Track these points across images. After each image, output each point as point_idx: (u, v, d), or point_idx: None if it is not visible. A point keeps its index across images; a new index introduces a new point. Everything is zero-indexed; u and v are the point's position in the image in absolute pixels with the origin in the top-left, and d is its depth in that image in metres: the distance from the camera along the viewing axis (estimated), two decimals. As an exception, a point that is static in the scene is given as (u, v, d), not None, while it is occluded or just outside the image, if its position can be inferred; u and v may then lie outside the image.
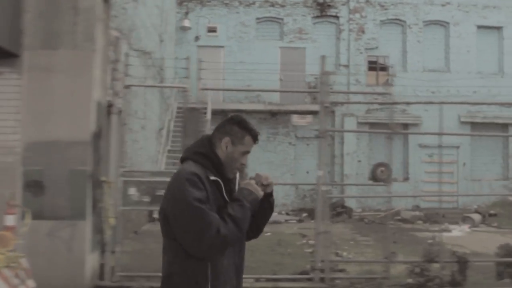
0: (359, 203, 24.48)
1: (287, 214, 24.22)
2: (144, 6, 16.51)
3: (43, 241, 7.88)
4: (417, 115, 25.53)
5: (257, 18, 25.80)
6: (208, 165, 2.99)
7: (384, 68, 26.20)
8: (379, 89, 25.70)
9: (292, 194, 25.17)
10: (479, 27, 26.40)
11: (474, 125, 25.85)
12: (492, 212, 23.91)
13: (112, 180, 8.65)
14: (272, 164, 24.95)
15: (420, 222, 22.62)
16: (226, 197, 3.00)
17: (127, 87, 9.15)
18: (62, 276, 7.89)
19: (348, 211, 23.17)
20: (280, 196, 24.94)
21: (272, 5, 25.78)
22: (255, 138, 3.10)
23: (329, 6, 25.80)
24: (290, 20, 25.80)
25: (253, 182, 3.10)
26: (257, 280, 9.06)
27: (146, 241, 13.81)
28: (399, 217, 23.18)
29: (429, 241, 10.84)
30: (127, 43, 13.45)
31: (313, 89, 25.09)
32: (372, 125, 24.80)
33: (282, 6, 25.77)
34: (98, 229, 8.48)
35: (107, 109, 8.92)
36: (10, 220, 7.10)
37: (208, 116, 22.75)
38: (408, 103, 25.13)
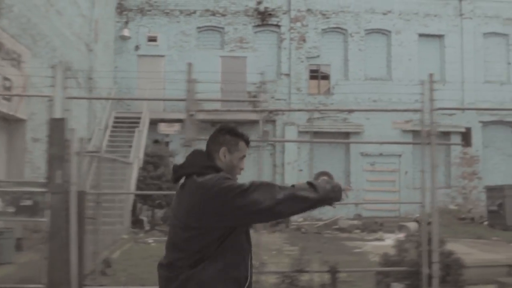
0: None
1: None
2: (59, 15, 16.26)
3: None
4: (358, 124, 25.51)
5: (198, 27, 25.69)
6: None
7: (325, 77, 26.18)
8: (321, 98, 25.73)
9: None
10: (421, 35, 26.51)
11: (415, 133, 25.85)
12: (431, 220, 23.86)
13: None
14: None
15: (357, 231, 22.57)
16: None
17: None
18: None
19: (286, 220, 23.02)
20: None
21: (213, 14, 25.68)
22: (247, 142, 3.22)
23: (270, 15, 25.76)
24: (231, 29, 25.71)
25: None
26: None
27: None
28: (337, 226, 23.11)
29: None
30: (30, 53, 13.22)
31: (253, 98, 25.04)
32: (314, 134, 24.71)
33: (223, 15, 25.68)
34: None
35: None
36: None
37: (143, 125, 22.62)
38: (350, 111, 25.28)
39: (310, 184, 3.04)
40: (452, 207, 24.86)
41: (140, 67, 25.12)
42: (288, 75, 25.60)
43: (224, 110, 24.39)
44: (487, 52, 26.81)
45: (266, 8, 25.76)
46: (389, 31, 26.37)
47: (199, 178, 3.02)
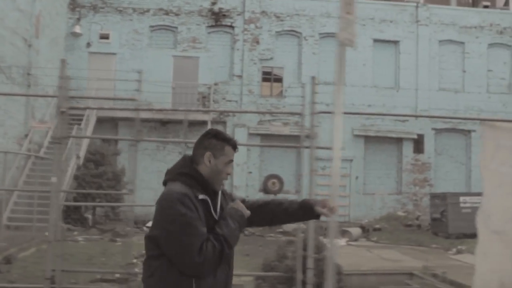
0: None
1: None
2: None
3: None
4: (310, 128, 25.34)
5: (151, 26, 25.51)
6: (194, 184, 3.04)
7: (278, 80, 26.05)
8: (273, 101, 25.61)
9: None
10: (376, 40, 26.43)
11: (367, 138, 25.80)
12: (377, 226, 23.81)
13: None
14: (162, 174, 24.39)
15: (302, 235, 22.35)
16: (214, 215, 3.07)
17: None
18: None
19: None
20: (169, 206, 24.56)
21: (167, 13, 25.50)
22: (234, 147, 3.21)
23: (224, 16, 25.61)
24: (184, 29, 25.54)
25: (239, 202, 3.23)
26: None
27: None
28: (281, 230, 22.95)
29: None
30: None
31: (205, 99, 24.94)
32: (264, 136, 24.57)
33: (177, 14, 25.51)
34: None
35: None
36: None
37: (86, 123, 22.40)
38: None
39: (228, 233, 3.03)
40: (400, 213, 24.75)
41: (91, 65, 24.90)
42: (240, 76, 25.46)
43: (171, 109, 24.38)
44: (442, 60, 26.78)
45: (220, 9, 25.61)
46: (344, 36, 26.22)
47: (169, 185, 3.08)
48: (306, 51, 25.97)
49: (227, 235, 2.99)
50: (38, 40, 20.62)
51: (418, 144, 25.98)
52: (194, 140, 3.33)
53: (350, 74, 25.98)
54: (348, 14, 4.89)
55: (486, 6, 28.56)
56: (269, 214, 3.44)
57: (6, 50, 17.76)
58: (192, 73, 25.06)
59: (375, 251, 18.81)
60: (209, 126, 24.11)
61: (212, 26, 25.77)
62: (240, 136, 24.87)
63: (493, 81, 26.96)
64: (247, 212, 3.18)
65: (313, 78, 9.95)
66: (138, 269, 9.49)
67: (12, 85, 18.06)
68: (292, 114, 11.70)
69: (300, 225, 9.65)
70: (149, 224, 21.54)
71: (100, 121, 23.75)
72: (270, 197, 24.43)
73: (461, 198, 21.32)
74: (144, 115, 24.50)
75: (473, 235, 20.75)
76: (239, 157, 24.70)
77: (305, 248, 9.12)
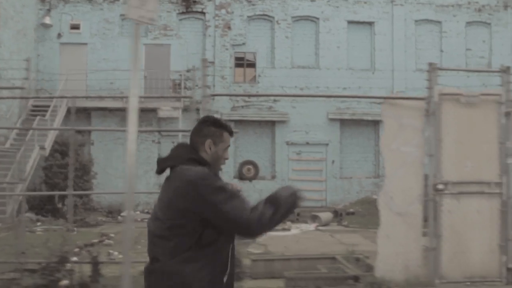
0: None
1: (148, 213, 23.86)
2: None
3: None
4: (284, 112, 25.16)
5: (122, 15, 25.26)
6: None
7: (251, 65, 25.80)
8: (246, 86, 25.41)
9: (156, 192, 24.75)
10: (350, 22, 26.02)
11: (343, 122, 25.50)
12: (350, 210, 23.58)
13: None
14: (135, 162, 24.48)
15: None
16: None
17: None
18: None
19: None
20: (143, 194, 24.58)
21: (137, 1, 25.28)
22: (231, 133, 3.27)
23: (194, 2, 25.39)
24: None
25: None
26: None
27: None
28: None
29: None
30: None
31: (178, 86, 24.82)
32: (238, 122, 24.38)
33: (147, 2, 25.28)
34: None
35: None
36: None
37: (54, 114, 22.41)
38: (276, 96, 24.91)
39: (274, 199, 3.01)
40: (375, 196, 24.43)
41: (63, 56, 24.88)
42: (212, 63, 25.23)
43: (145, 96, 24.31)
44: (419, 40, 26.31)
45: (191, -6, 25.42)
46: (317, 18, 25.90)
47: (186, 167, 3.04)
48: (279, 35, 25.67)
49: (280, 202, 3.00)
50: (7, 31, 20.61)
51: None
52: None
53: (324, 57, 25.70)
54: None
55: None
56: None
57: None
58: (164, 61, 24.96)
59: (339, 235, 18.62)
60: (180, 114, 24.00)
61: (183, 13, 25.57)
62: (213, 123, 24.72)
63: (472, 60, 26.44)
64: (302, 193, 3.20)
65: (203, 60, 9.80)
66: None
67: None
68: (184, 97, 11.51)
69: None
70: (124, 213, 21.86)
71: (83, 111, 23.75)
72: (246, 183, 24.34)
73: (432, 180, 20.96)
74: (116, 104, 24.55)
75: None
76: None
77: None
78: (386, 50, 25.84)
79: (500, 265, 9.10)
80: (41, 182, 21.43)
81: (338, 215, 22.76)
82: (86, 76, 24.52)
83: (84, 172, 21.54)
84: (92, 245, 15.88)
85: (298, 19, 25.90)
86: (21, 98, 19.69)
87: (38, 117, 20.58)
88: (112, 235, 17.40)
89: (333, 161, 25.43)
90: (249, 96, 25.05)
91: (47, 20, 24.63)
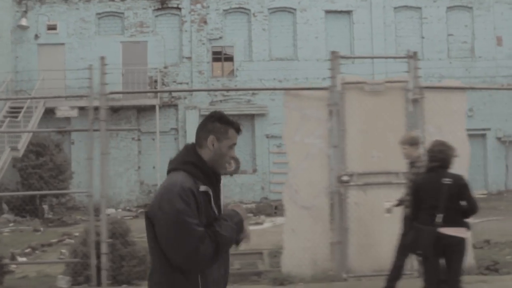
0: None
1: (129, 210, 23.93)
2: None
3: None
4: (263, 105, 24.98)
5: (98, 13, 25.38)
6: (199, 174, 3.01)
7: (229, 59, 25.64)
8: (224, 80, 25.29)
9: (137, 190, 24.82)
10: (328, 12, 25.70)
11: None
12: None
13: None
14: (116, 160, 24.60)
15: (250, 215, 22.16)
16: (214, 208, 3.04)
17: None
18: None
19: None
20: (125, 192, 24.66)
21: (112, -1, 25.35)
22: (237, 130, 3.16)
23: (170, -3, 25.33)
24: (131, 14, 25.32)
25: (240, 205, 3.27)
26: None
27: None
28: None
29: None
30: None
31: (155, 83, 24.78)
32: (216, 117, 24.24)
33: (122, 0, 25.30)
34: None
35: None
36: None
37: (32, 114, 22.53)
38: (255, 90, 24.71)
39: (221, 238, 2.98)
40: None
41: (41, 56, 25.00)
42: (190, 58, 25.15)
43: (124, 92, 24.34)
44: (399, 27, 25.90)
45: (166, -9, 25.33)
46: (294, 9, 25.63)
47: (173, 173, 3.03)
48: (256, 28, 25.46)
49: (224, 238, 2.98)
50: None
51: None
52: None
53: (302, 48, 25.43)
54: None
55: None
56: None
57: None
58: (141, 57, 24.93)
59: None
60: (157, 111, 23.99)
61: (158, 9, 25.49)
62: (191, 118, 24.67)
63: (454, 46, 25.95)
64: (246, 216, 3.20)
65: (101, 58, 9.68)
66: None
67: None
68: (79, 96, 11.42)
69: (90, 208, 9.42)
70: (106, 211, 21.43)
71: (52, 111, 23.81)
72: (227, 178, 24.24)
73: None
74: (95, 102, 24.53)
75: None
76: (191, 139, 24.44)
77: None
78: (366, 39, 25.47)
79: (410, 257, 8.87)
80: (17, 183, 21.56)
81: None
82: (65, 76, 24.60)
83: (59, 172, 21.60)
84: (50, 244, 16.01)
85: (275, 10, 25.67)
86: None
87: (8, 119, 20.68)
88: (76, 234, 17.39)
89: (314, 153, 25.13)
90: (196, 91, 24.83)
91: (24, 22, 24.77)
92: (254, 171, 25.22)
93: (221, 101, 24.75)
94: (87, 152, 9.47)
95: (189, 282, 2.93)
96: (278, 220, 20.87)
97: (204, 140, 3.09)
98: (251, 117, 25.05)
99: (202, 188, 2.98)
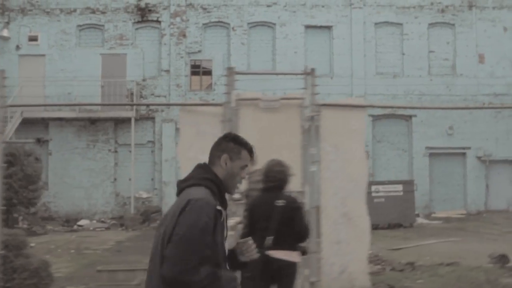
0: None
1: (103, 222, 23.99)
2: None
3: None
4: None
5: (78, 25, 25.60)
6: (216, 191, 3.09)
7: (208, 72, 25.66)
8: (202, 94, 25.30)
9: (112, 201, 24.86)
10: (307, 27, 25.64)
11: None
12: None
13: None
14: (93, 172, 24.73)
15: None
16: (226, 227, 3.13)
17: None
18: None
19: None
20: (100, 203, 24.71)
21: (93, 11, 25.53)
22: (250, 152, 3.24)
23: (150, 11, 25.44)
24: (111, 27, 25.51)
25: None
26: None
27: None
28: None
29: None
30: None
31: (131, 96, 24.89)
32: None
33: (103, 12, 25.51)
34: None
35: None
36: None
37: (9, 125, 22.70)
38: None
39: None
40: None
41: (21, 67, 25.25)
42: (168, 71, 25.23)
43: (100, 104, 24.51)
44: (380, 43, 25.71)
45: (146, 4, 25.46)
46: (274, 24, 25.62)
47: (194, 188, 3.04)
48: (235, 42, 25.48)
49: (222, 282, 2.97)
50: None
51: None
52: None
53: (281, 63, 25.37)
54: None
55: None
56: None
57: None
58: (120, 70, 25.06)
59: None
60: (133, 123, 24.06)
61: (138, 22, 25.66)
62: (168, 131, 24.71)
63: (435, 63, 25.69)
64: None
65: (1, 72, 9.65)
66: None
67: None
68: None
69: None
70: (81, 222, 21.84)
71: (30, 122, 24.04)
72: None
73: (373, 187, 20.39)
74: (73, 114, 24.80)
75: (385, 227, 19.85)
76: (167, 152, 24.53)
77: None
78: (345, 55, 25.34)
79: (302, 279, 8.70)
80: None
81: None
82: (44, 87, 24.83)
83: (28, 182, 21.68)
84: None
85: (255, 25, 25.68)
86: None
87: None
88: (32, 244, 17.45)
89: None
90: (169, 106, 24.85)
91: (5, 33, 25.08)
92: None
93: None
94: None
95: None
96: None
97: (217, 158, 3.16)
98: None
99: (218, 207, 3.02)
